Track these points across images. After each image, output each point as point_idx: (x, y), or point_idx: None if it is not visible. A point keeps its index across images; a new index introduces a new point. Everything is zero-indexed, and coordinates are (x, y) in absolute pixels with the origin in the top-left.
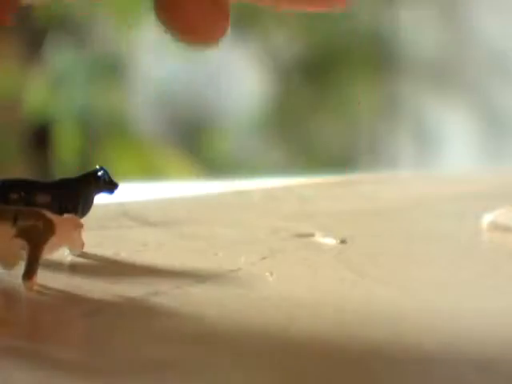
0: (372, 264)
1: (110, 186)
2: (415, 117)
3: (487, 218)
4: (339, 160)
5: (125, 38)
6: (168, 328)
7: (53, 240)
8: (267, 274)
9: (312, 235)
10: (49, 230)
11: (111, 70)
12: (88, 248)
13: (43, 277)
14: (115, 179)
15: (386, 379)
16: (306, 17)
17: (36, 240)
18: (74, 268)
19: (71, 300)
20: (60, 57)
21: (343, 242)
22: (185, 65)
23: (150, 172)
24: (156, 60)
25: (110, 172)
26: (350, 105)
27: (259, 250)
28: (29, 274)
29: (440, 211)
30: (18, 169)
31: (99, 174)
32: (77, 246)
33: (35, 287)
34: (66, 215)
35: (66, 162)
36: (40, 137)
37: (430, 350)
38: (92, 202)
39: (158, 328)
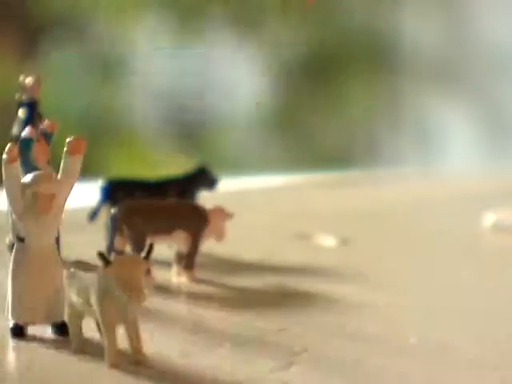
0: (372, 264)
1: (215, 182)
2: (416, 116)
3: (489, 219)
4: (339, 159)
5: (124, 36)
6: (168, 323)
7: (206, 231)
8: (267, 273)
9: (312, 235)
10: (205, 221)
11: (110, 68)
12: (91, 248)
13: None
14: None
15: (385, 378)
16: (307, 17)
17: (196, 231)
18: None
19: None
20: (58, 54)
21: (343, 242)
22: (184, 64)
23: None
24: (155, 59)
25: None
26: (350, 104)
27: (259, 249)
28: (191, 265)
29: (441, 211)
30: None
31: (207, 171)
32: (222, 235)
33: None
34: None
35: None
36: None
37: (430, 349)
38: (198, 197)
39: (158, 323)
